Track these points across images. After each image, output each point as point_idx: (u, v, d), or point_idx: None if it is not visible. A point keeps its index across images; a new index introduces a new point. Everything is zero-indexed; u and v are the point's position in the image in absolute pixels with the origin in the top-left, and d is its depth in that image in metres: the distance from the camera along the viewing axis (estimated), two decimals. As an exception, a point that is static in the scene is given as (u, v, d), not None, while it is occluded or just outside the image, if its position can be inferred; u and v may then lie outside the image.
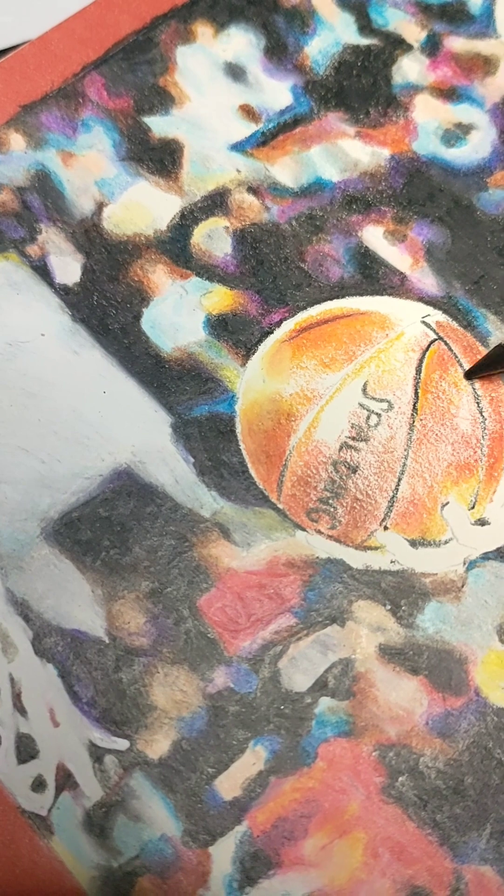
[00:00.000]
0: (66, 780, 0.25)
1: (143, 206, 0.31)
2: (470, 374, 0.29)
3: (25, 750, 0.25)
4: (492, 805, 0.25)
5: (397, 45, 0.34)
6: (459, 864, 0.24)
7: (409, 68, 0.33)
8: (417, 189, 0.32)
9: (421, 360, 0.29)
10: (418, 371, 0.29)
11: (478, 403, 0.29)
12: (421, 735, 0.25)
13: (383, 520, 0.28)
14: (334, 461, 0.28)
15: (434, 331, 0.30)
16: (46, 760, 0.25)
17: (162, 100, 0.32)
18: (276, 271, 0.30)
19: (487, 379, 0.29)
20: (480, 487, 0.28)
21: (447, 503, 0.28)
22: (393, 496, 0.28)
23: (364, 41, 0.34)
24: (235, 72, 0.33)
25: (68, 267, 0.30)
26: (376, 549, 0.27)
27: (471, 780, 0.25)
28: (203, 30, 0.34)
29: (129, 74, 0.33)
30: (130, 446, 0.28)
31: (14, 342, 0.29)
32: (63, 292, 0.30)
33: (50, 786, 0.25)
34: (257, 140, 0.32)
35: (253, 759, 0.25)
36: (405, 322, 0.30)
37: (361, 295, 0.30)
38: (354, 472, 0.28)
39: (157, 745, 0.25)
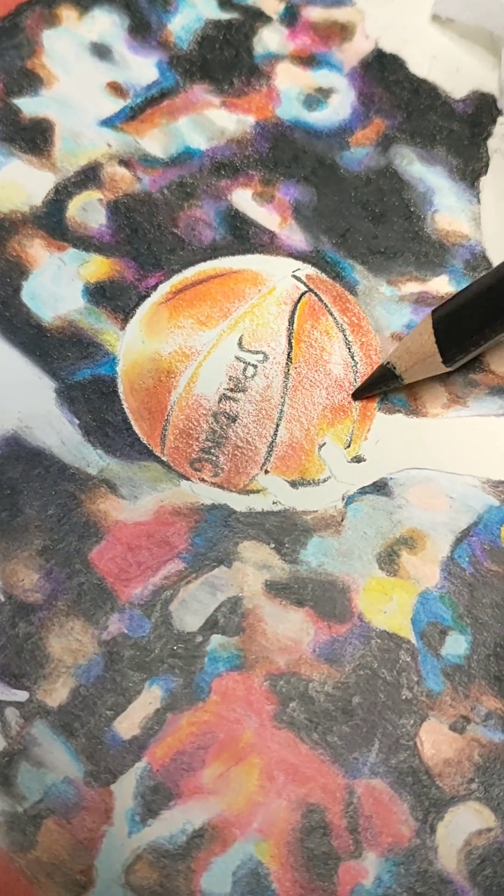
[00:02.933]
0: (-32, 733, 0.26)
1: (17, 184, 0.32)
2: (357, 395, 0.30)
3: None
4: (379, 721, 0.26)
5: (257, 17, 0.35)
6: (351, 780, 0.25)
7: (270, 39, 0.35)
8: (282, 152, 0.33)
9: (293, 312, 0.30)
10: (291, 322, 0.30)
11: (349, 349, 0.30)
12: (309, 662, 0.27)
13: (264, 464, 0.29)
14: (214, 413, 0.29)
15: (304, 283, 0.31)
16: None
17: (31, 81, 0.33)
18: (151, 238, 0.31)
19: (370, 399, 0.30)
20: (355, 427, 0.29)
21: (324, 444, 0.29)
22: (272, 441, 0.29)
23: (225, 16, 0.35)
24: (101, 51, 0.34)
25: None
26: (258, 492, 0.28)
27: (358, 699, 0.26)
28: (67, 13, 0.35)
29: (-3, 59, 0.34)
30: (17, 413, 0.29)
31: None
32: None
33: (-48, 740, 0.26)
34: (126, 115, 0.33)
35: (149, 699, 0.26)
36: (276, 277, 0.31)
37: (233, 255, 0.31)
38: (234, 421, 0.29)
39: (56, 694, 0.26)
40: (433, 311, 0.29)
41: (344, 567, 0.28)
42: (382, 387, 0.29)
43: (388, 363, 0.29)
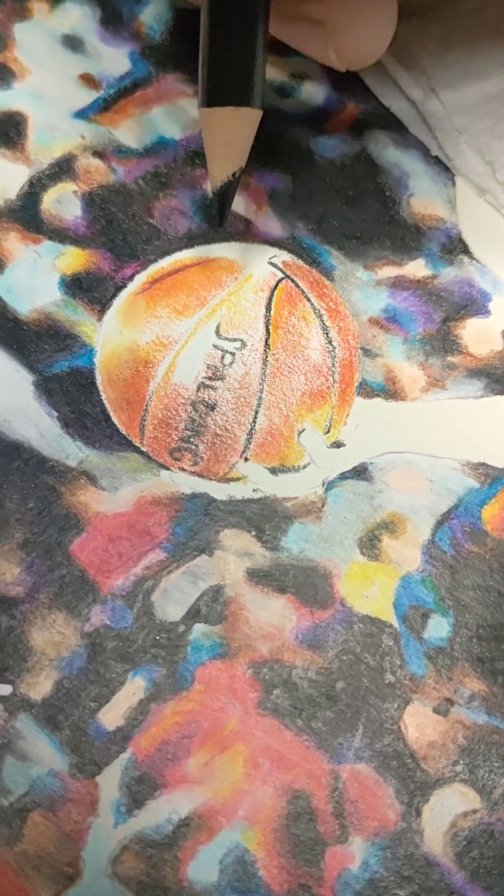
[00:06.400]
0: (-49, 728, 0.26)
1: (-9, 178, 0.32)
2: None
3: None
4: (363, 706, 0.26)
5: (229, 5, 0.35)
6: (336, 765, 0.25)
7: (242, 26, 0.34)
8: (257, 140, 0.33)
9: (270, 299, 0.30)
10: (268, 309, 0.30)
11: (326, 334, 0.30)
12: (292, 649, 0.27)
13: (243, 452, 0.29)
14: (193, 401, 0.29)
15: (281, 270, 0.31)
16: None
17: (2, 75, 0.33)
18: (126, 228, 0.31)
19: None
20: (334, 412, 0.29)
21: (303, 430, 0.29)
22: (251, 429, 0.29)
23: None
24: (73, 43, 0.34)
25: None
26: (238, 479, 0.28)
27: (342, 685, 0.26)
28: (39, 6, 0.34)
29: (-32, 53, 0.33)
30: (-6, 407, 0.29)
31: None
32: None
33: None
34: (99, 106, 0.33)
35: (133, 690, 0.26)
36: (253, 265, 0.31)
37: (209, 243, 0.31)
38: (213, 409, 0.29)
39: (40, 687, 0.26)
40: None
41: (325, 553, 0.27)
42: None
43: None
